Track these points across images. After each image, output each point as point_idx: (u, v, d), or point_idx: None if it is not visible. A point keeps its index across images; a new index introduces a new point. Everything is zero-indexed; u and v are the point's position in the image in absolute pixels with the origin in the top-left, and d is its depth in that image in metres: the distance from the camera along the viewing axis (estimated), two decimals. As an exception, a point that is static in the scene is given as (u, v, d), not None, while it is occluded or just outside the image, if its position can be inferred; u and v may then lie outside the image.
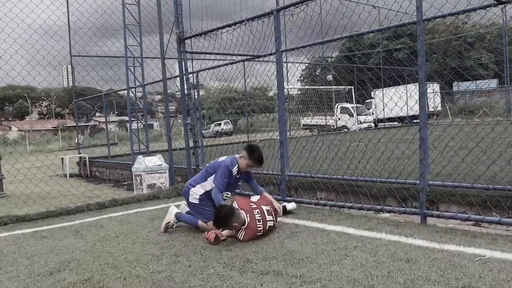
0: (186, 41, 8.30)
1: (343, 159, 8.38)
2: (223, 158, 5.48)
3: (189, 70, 9.05)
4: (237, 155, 5.47)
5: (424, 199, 5.05)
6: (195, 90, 10.56)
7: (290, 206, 6.07)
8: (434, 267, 3.51)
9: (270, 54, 8.57)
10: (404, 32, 52.62)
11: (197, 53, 8.67)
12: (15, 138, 57.48)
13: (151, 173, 8.05)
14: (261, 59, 10.33)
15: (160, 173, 8.11)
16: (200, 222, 5.19)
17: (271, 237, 4.69)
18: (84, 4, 15.49)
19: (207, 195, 5.31)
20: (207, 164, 5.60)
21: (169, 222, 5.29)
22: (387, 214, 5.83)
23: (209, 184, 5.33)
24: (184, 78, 8.30)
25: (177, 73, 8.59)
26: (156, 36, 13.03)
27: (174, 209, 5.44)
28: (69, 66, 18.03)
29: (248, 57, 9.05)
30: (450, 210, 6.43)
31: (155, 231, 5.32)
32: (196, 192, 5.32)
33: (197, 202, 5.29)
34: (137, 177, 8.23)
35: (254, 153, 5.35)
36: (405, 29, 53.05)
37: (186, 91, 8.28)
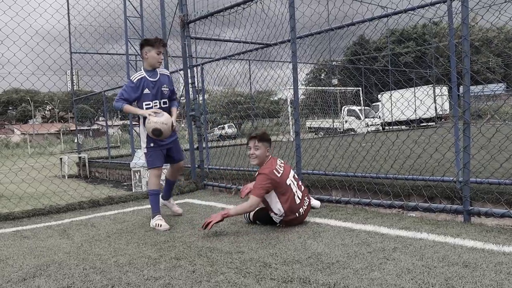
0: (191, 25, 7.61)
1: (357, 157, 7.66)
2: None
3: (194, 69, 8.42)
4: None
5: (468, 194, 4.31)
6: (199, 91, 9.85)
7: (315, 203, 5.32)
8: (503, 273, 2.76)
9: (284, 42, 7.90)
10: (410, 36, 52.20)
11: (203, 39, 7.94)
12: (17, 141, 56.94)
13: (151, 169, 7.31)
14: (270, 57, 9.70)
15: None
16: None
17: (290, 237, 3.95)
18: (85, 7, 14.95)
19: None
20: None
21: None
22: (414, 213, 5.11)
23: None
24: (188, 64, 7.59)
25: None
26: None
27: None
28: (73, 70, 17.45)
29: (260, 45, 8.36)
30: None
31: (153, 231, 4.59)
32: (143, 140, 5.03)
33: (147, 150, 5.01)
34: (136, 174, 7.50)
35: (145, 40, 4.97)
36: (411, 33, 52.72)
37: (190, 80, 7.56)
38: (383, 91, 34.28)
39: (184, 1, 7.55)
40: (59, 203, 6.43)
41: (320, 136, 29.06)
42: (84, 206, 6.27)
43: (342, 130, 29.38)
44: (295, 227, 4.29)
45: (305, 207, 4.47)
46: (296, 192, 4.39)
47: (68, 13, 16.57)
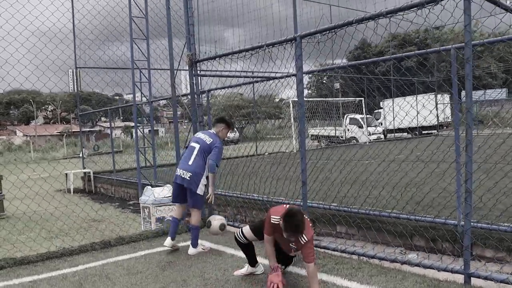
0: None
1: (361, 185, 7.87)
2: (205, 136, 6.27)
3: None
4: (212, 131, 6.39)
5: (469, 257, 4.49)
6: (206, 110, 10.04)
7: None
8: None
9: (289, 76, 8.11)
10: (412, 40, 52.31)
11: (211, 76, 8.14)
12: (19, 144, 57.14)
13: (160, 206, 7.51)
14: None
15: (170, 205, 7.57)
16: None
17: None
18: (90, 13, 15.06)
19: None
20: (195, 146, 6.23)
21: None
22: (416, 254, 5.29)
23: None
24: (196, 104, 7.78)
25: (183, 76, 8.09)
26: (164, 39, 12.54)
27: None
28: (75, 70, 17.61)
29: (265, 79, 8.58)
30: (485, 255, 5.91)
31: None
32: (203, 183, 6.15)
33: (202, 193, 6.16)
34: (145, 210, 7.70)
35: (225, 121, 6.49)
36: (413, 37, 52.72)
37: (198, 118, 7.75)
38: (385, 98, 34.50)
39: (192, 40, 7.73)
40: (71, 245, 6.62)
41: (323, 144, 29.27)
42: (96, 248, 6.45)
43: (344, 138, 29.58)
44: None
45: None
46: None
47: (73, 24, 16.76)
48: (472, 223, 5.61)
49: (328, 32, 5.41)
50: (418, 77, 36.59)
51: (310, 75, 58.34)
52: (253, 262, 5.02)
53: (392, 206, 7.04)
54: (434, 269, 4.75)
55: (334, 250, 5.76)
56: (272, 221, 4.39)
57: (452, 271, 4.61)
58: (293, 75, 8.08)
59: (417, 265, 4.87)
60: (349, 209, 7.36)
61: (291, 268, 5.13)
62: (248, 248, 4.94)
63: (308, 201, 6.50)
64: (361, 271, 4.93)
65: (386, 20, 5.16)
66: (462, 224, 5.88)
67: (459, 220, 6.02)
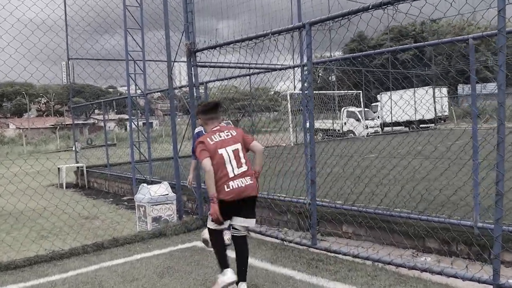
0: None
1: (368, 182, 7.46)
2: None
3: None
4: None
5: (499, 267, 4.07)
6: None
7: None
8: None
9: (296, 67, 7.67)
10: (408, 33, 51.89)
11: (210, 67, 7.69)
12: (12, 136, 56.44)
13: (157, 205, 7.06)
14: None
15: (167, 204, 7.12)
16: None
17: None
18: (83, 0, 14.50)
19: None
20: None
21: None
22: (430, 257, 4.90)
23: None
24: (195, 95, 7.33)
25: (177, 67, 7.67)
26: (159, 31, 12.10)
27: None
28: (67, 61, 17.11)
29: (267, 70, 8.12)
30: (504, 259, 5.52)
31: (165, 299, 4.35)
32: None
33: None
34: (141, 208, 7.25)
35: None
36: (410, 30, 52.33)
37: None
38: (383, 91, 34.10)
39: (191, 29, 7.27)
40: (62, 247, 6.17)
41: (319, 138, 28.87)
42: (88, 250, 6.01)
43: (341, 132, 29.17)
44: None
45: (242, 184, 4.24)
46: (230, 162, 4.25)
47: (65, 12, 16.20)
48: (485, 225, 5.28)
49: (341, 18, 4.96)
50: (415, 70, 36.27)
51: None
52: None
53: (402, 205, 6.62)
54: (458, 278, 4.35)
55: (345, 254, 5.34)
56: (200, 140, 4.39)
57: (480, 281, 4.20)
58: (298, 66, 7.66)
59: (439, 273, 4.46)
60: (356, 208, 6.94)
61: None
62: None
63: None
64: (377, 280, 4.52)
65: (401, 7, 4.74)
66: (479, 225, 5.53)
67: (476, 221, 5.63)
